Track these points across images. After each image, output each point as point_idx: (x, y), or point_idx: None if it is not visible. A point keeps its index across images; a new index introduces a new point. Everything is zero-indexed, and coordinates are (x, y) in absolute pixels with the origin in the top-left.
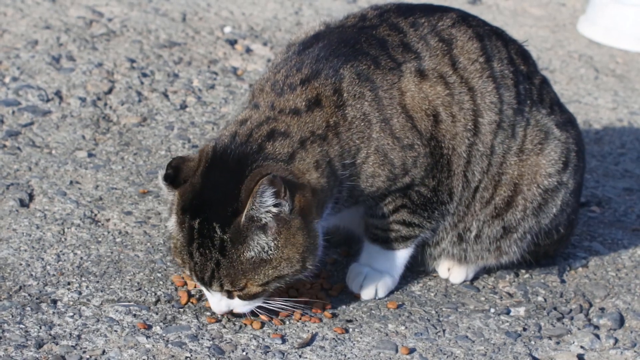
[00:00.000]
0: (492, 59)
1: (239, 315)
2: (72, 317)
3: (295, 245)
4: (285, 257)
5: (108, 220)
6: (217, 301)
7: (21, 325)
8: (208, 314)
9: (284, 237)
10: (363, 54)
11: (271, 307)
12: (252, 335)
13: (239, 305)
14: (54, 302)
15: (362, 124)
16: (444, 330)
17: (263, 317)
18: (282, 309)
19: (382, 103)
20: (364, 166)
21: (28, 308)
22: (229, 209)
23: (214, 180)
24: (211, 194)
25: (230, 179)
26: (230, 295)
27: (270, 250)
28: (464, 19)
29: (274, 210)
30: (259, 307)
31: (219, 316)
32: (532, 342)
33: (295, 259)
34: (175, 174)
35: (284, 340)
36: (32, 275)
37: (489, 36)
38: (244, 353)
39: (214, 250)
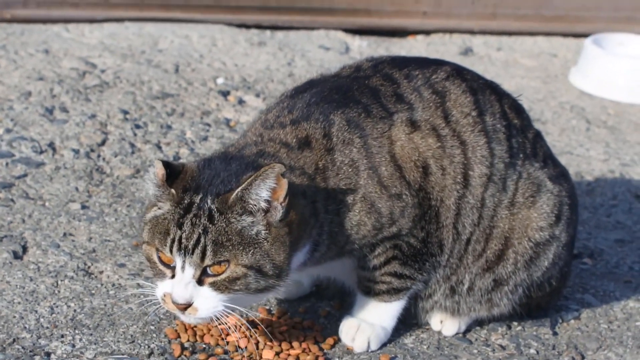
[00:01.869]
0: (485, 112)
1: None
2: None
3: (283, 245)
4: (274, 249)
5: (101, 272)
6: (184, 285)
7: None
8: None
9: (274, 232)
10: (355, 101)
11: (224, 318)
12: None
13: (205, 298)
14: (48, 354)
15: (350, 170)
16: None
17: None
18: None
19: (370, 150)
20: (349, 214)
21: None
22: (226, 187)
23: (216, 168)
24: (213, 177)
25: (233, 167)
26: (200, 281)
27: (260, 234)
28: (459, 72)
29: (263, 204)
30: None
31: (179, 310)
32: None
33: (280, 258)
34: (171, 172)
35: None
36: (25, 327)
37: (483, 90)
38: None
39: (203, 218)
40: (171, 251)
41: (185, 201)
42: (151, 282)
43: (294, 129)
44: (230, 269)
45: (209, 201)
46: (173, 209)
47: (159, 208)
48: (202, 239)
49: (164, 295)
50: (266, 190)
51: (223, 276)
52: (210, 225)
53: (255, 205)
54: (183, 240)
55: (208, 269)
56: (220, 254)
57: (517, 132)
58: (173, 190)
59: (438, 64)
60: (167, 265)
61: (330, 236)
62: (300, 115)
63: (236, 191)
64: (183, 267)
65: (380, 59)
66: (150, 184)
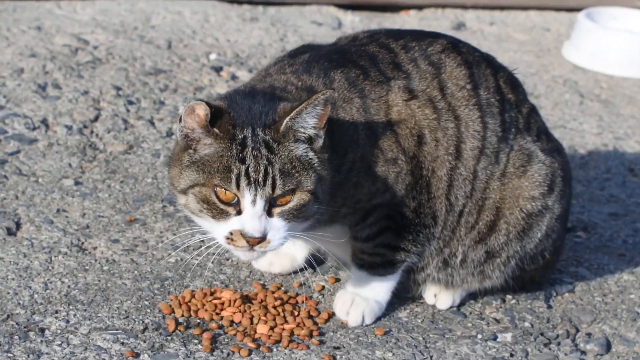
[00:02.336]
0: (479, 86)
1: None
2: (60, 345)
3: (327, 171)
4: (324, 173)
5: (95, 248)
6: (257, 218)
7: (9, 354)
8: (195, 341)
9: (321, 158)
10: (353, 63)
11: (304, 238)
12: None
13: (277, 229)
14: (42, 330)
15: (351, 127)
16: (431, 357)
17: (250, 345)
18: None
19: (369, 112)
20: (349, 174)
21: (16, 337)
22: (268, 118)
23: (245, 103)
24: (258, 109)
25: (272, 100)
26: (270, 213)
27: (314, 159)
28: (454, 45)
29: (311, 131)
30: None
31: (249, 245)
32: None
33: (327, 183)
34: (216, 112)
35: None
36: (19, 303)
37: (478, 64)
38: None
39: (263, 150)
40: (238, 186)
41: (239, 136)
42: (193, 228)
43: (296, 78)
44: (297, 197)
45: (260, 133)
46: (228, 145)
47: (200, 150)
48: (270, 170)
49: (231, 234)
50: (314, 118)
51: (290, 205)
52: (272, 156)
53: (304, 133)
54: (251, 174)
55: (275, 200)
56: (290, 182)
57: (510, 107)
58: (216, 130)
59: (434, 36)
60: (228, 203)
61: (331, 192)
62: (302, 70)
63: (285, 120)
64: (254, 201)
65: (376, 31)
66: (182, 126)
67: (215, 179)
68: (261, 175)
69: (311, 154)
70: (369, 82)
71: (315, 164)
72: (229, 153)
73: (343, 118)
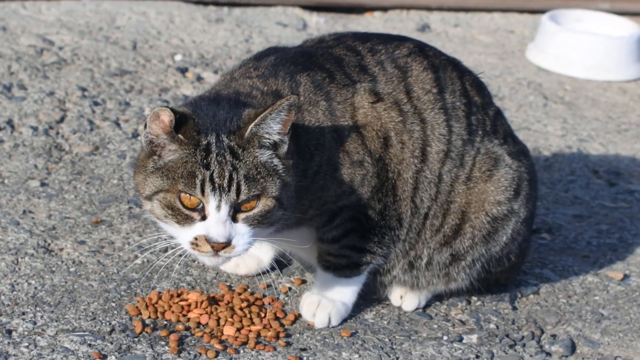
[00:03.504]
0: (445, 90)
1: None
2: (27, 347)
3: (292, 177)
4: (289, 179)
5: (62, 249)
6: (222, 224)
7: None
8: (163, 343)
9: (286, 164)
10: (319, 66)
11: (270, 242)
12: None
13: (241, 234)
14: (9, 332)
15: (317, 131)
16: (397, 358)
17: (217, 346)
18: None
19: (335, 114)
20: (315, 177)
21: None
22: (233, 125)
23: (209, 109)
24: (212, 117)
25: (236, 105)
26: (234, 218)
27: (278, 165)
28: (421, 49)
29: (276, 137)
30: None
31: (213, 251)
32: None
33: (292, 188)
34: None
35: None
36: None
37: (444, 67)
38: None
39: (228, 156)
40: (202, 192)
41: (203, 142)
42: (159, 233)
43: (262, 82)
44: (262, 202)
45: (225, 139)
46: (192, 151)
47: (165, 156)
48: (235, 176)
49: (195, 239)
50: (279, 124)
51: (255, 210)
52: (237, 162)
53: (269, 139)
54: (216, 179)
55: (239, 205)
56: (254, 187)
57: (477, 110)
58: (181, 136)
59: (401, 40)
60: (193, 209)
61: (297, 196)
62: (267, 73)
63: (250, 126)
64: (219, 207)
65: (342, 34)
66: (147, 132)
67: (179, 185)
68: (226, 181)
69: (276, 160)
70: (334, 85)
71: (280, 170)
72: (194, 159)
73: (309, 122)
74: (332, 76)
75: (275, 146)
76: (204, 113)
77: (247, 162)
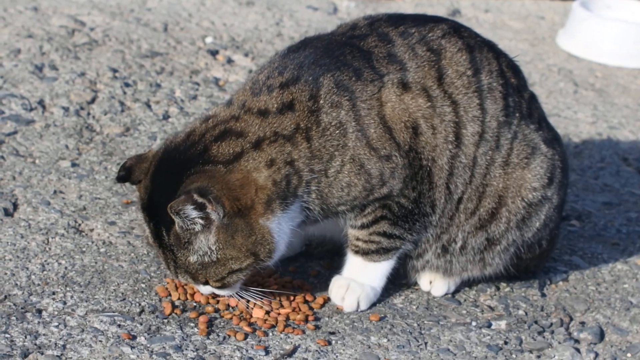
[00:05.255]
0: (481, 70)
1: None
2: (57, 327)
3: (237, 245)
4: (229, 256)
5: (92, 230)
6: (198, 286)
7: (6, 335)
8: (192, 324)
9: (223, 239)
10: (346, 65)
11: (250, 295)
12: (235, 347)
13: (219, 292)
14: (39, 311)
15: (337, 132)
16: (425, 343)
17: (246, 329)
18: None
19: (359, 113)
20: (339, 175)
21: (13, 317)
22: (169, 216)
23: (161, 183)
24: (158, 197)
25: (172, 183)
26: (207, 282)
27: (213, 252)
28: (456, 30)
29: (201, 221)
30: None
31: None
32: (513, 356)
33: (242, 256)
34: (127, 175)
35: (267, 351)
36: (17, 284)
37: (480, 48)
38: None
39: (167, 251)
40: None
41: (146, 222)
42: None
43: (280, 92)
44: (212, 284)
45: (164, 234)
46: (146, 226)
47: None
48: (177, 270)
49: None
50: (196, 212)
51: (211, 284)
52: (175, 258)
53: (196, 227)
54: (165, 264)
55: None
56: (197, 278)
57: (513, 91)
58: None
59: (436, 21)
60: None
61: (321, 196)
62: (290, 78)
63: (175, 226)
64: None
65: (377, 17)
66: None
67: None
68: (172, 269)
69: (211, 245)
70: (361, 83)
71: (220, 260)
72: (149, 239)
73: (327, 124)
74: (358, 74)
75: (205, 224)
76: (157, 181)
77: (183, 261)
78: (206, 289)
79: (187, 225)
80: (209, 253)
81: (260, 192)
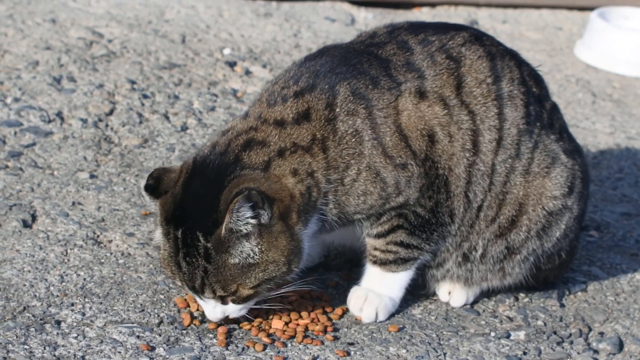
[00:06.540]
0: (502, 78)
1: (234, 321)
2: (76, 338)
3: (279, 248)
4: (271, 260)
5: (110, 241)
6: (212, 308)
7: (26, 346)
8: (211, 335)
9: (267, 241)
10: (362, 73)
11: (265, 307)
12: (254, 358)
13: (234, 311)
14: (58, 323)
15: (353, 140)
16: (444, 354)
17: (265, 340)
18: (275, 309)
19: (375, 121)
20: (355, 184)
21: (32, 329)
22: (210, 219)
23: (195, 190)
24: (192, 204)
25: (210, 189)
26: (223, 300)
27: (256, 255)
28: (477, 37)
29: (253, 221)
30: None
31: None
32: None
33: (281, 261)
34: (156, 185)
35: None
36: (35, 295)
37: (502, 56)
38: None
39: (199, 258)
40: (184, 288)
41: (171, 234)
42: None
43: (295, 102)
44: (240, 292)
45: (201, 239)
46: (165, 241)
47: (157, 230)
48: (206, 281)
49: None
50: (250, 211)
51: (238, 295)
52: (209, 266)
53: (246, 228)
54: (188, 281)
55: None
56: (228, 287)
57: (535, 100)
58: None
59: (457, 29)
60: None
61: (338, 205)
62: (305, 87)
63: (224, 226)
64: (202, 299)
65: (398, 25)
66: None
67: (169, 274)
68: (197, 283)
69: (254, 248)
70: (377, 91)
71: (260, 264)
72: (167, 253)
73: (343, 132)
74: (375, 82)
75: (256, 226)
76: (190, 192)
77: (218, 265)
78: (221, 309)
79: (238, 226)
80: (251, 255)
81: (292, 199)
